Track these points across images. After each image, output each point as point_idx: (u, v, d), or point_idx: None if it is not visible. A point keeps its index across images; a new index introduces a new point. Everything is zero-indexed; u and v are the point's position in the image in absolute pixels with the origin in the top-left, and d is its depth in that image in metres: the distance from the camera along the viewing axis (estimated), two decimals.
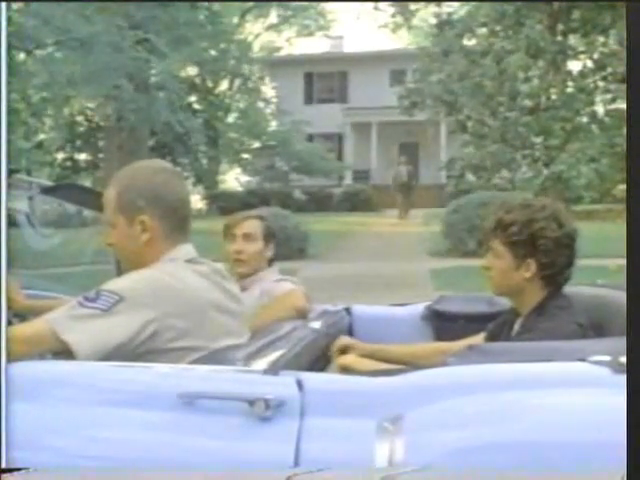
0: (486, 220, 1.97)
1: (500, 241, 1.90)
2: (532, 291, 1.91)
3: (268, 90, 26.86)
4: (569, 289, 2.46)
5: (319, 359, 1.80)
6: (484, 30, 17.57)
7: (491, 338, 2.05)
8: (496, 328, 2.07)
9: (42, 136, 23.11)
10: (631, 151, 1.39)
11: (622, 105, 15.31)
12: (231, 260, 2.69)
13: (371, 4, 21.38)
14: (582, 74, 16.66)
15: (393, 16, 19.22)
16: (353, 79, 25.90)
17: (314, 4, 28.22)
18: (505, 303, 2.56)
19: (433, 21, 19.11)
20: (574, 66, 17.34)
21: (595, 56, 16.36)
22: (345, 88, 26.19)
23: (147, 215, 1.70)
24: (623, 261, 1.35)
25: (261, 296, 2.57)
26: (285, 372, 1.45)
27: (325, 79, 26.32)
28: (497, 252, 1.92)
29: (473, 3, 17.72)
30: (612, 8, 14.94)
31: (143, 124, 17.65)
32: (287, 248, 10.74)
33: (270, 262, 2.81)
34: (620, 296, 1.88)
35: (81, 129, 23.70)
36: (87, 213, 3.05)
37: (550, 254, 1.88)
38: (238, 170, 27.01)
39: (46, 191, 2.58)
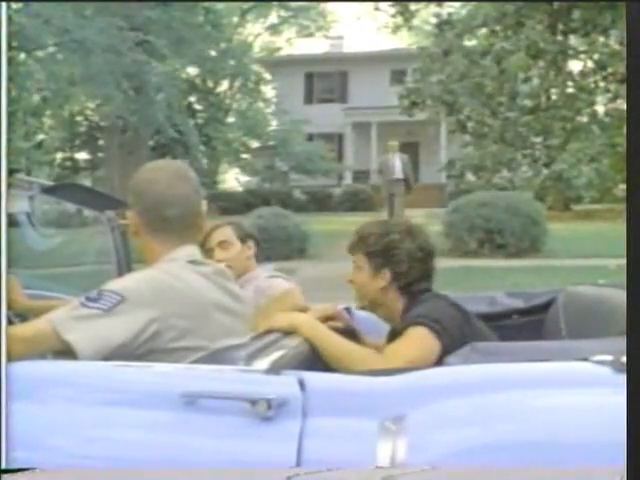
0: (352, 236, 2.12)
1: (361, 253, 2.06)
2: (390, 302, 2.04)
3: (268, 90, 26.88)
4: (570, 289, 2.46)
5: (321, 359, 1.79)
6: (484, 30, 17.58)
7: None
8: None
9: (42, 136, 23.11)
10: (631, 151, 1.39)
11: (622, 105, 15.32)
12: None
13: (371, 5, 21.37)
14: (582, 74, 16.67)
15: (393, 16, 19.23)
16: (353, 79, 25.89)
17: (314, 4, 28.22)
18: (505, 302, 2.57)
19: (433, 21, 19.10)
20: (574, 66, 17.36)
21: (595, 56, 16.36)
22: (345, 88, 26.18)
23: (148, 216, 1.71)
24: (623, 261, 1.35)
25: (256, 295, 2.60)
26: (287, 372, 1.44)
27: (325, 79, 26.30)
28: (358, 264, 2.07)
29: (473, 3, 17.73)
30: (612, 8, 14.95)
31: (142, 125, 17.66)
32: (287, 248, 10.75)
33: (258, 259, 2.85)
34: (620, 295, 1.88)
35: (81, 129, 23.71)
36: (87, 213, 3.05)
37: (403, 265, 2.02)
38: (238, 170, 27.01)
39: (46, 191, 2.58)
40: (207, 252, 2.79)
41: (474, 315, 2.04)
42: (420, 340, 1.83)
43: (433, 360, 1.79)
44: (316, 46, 37.47)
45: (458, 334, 1.88)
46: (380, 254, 2.03)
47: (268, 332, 1.81)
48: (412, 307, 1.97)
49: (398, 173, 13.21)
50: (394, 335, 1.94)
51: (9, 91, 1.54)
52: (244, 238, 2.84)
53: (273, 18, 29.64)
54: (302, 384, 1.40)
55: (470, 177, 17.97)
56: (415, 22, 20.54)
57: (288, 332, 1.82)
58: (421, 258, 2.04)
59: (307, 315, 2.01)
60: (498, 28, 17.02)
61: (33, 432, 1.42)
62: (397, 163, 13.32)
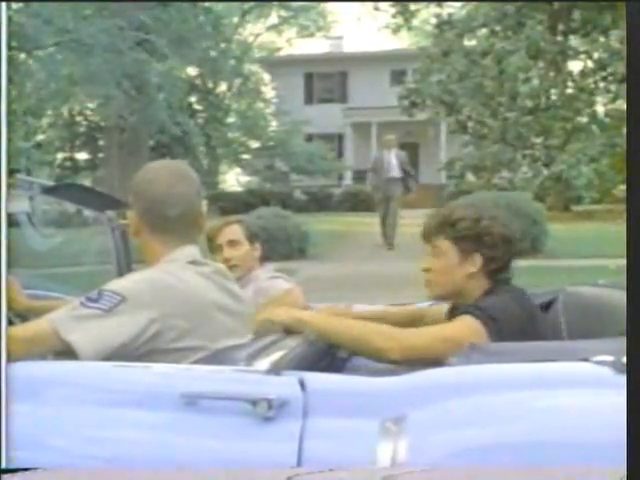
0: (426, 221, 2.02)
1: (446, 238, 1.95)
2: (474, 289, 1.94)
3: (268, 90, 26.89)
4: (570, 289, 2.46)
5: (322, 359, 1.79)
6: (484, 30, 17.57)
7: None
8: None
9: (42, 136, 23.13)
10: (631, 151, 1.39)
11: (622, 105, 15.32)
12: None
13: (371, 5, 21.37)
14: (582, 74, 16.67)
15: (394, 17, 19.23)
16: (353, 79, 25.90)
17: (314, 4, 28.23)
18: None
19: (433, 22, 19.11)
20: (574, 66, 17.35)
21: (595, 56, 16.37)
22: (345, 88, 26.19)
23: (148, 216, 1.72)
24: (623, 261, 1.35)
25: (256, 295, 2.60)
26: (288, 372, 1.44)
27: (325, 79, 26.31)
28: (441, 250, 1.96)
29: (473, 3, 17.73)
30: (612, 8, 14.95)
31: (143, 125, 17.67)
32: (287, 248, 10.74)
33: (261, 260, 2.85)
34: (620, 295, 1.88)
35: (81, 129, 23.72)
36: (87, 213, 3.05)
37: (494, 249, 1.94)
38: (238, 170, 27.03)
39: (46, 191, 2.58)
40: (215, 248, 2.78)
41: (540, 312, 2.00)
42: (463, 326, 1.78)
43: (471, 342, 1.68)
44: (316, 46, 37.49)
45: (511, 329, 1.80)
46: (472, 238, 1.94)
47: (266, 325, 1.80)
48: (495, 292, 1.90)
49: (394, 171, 11.37)
50: None
51: (9, 91, 1.54)
52: (252, 238, 2.83)
53: (273, 18, 29.68)
54: (303, 384, 1.40)
55: (470, 177, 17.97)
56: (415, 22, 20.54)
57: (293, 327, 1.82)
58: (509, 243, 1.99)
59: (310, 311, 2.01)
60: (498, 28, 17.02)
61: (33, 432, 1.42)
62: (393, 160, 11.43)
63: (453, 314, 1.91)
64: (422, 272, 2.01)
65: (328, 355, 1.93)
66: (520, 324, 1.84)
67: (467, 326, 1.78)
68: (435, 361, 1.57)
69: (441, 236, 1.96)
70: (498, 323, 1.79)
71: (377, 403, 1.38)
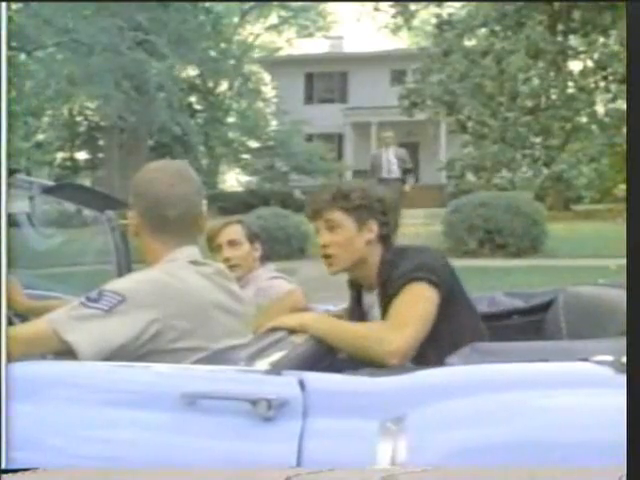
0: (314, 198, 2.07)
1: (340, 210, 2.01)
2: (373, 255, 2.02)
3: (268, 90, 26.87)
4: (570, 289, 2.46)
5: (322, 359, 1.79)
6: (484, 30, 17.56)
7: (350, 317, 2.13)
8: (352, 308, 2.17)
9: (42, 136, 23.12)
10: (631, 151, 1.39)
11: (622, 105, 15.31)
12: None
13: (371, 5, 21.36)
14: (582, 74, 16.64)
15: (394, 17, 19.22)
16: (353, 79, 25.89)
17: (314, 4, 28.22)
18: (506, 302, 2.56)
19: (433, 22, 19.10)
20: (574, 66, 17.33)
21: (595, 56, 16.34)
22: (345, 88, 26.17)
23: (148, 216, 1.72)
24: (623, 261, 1.35)
25: (256, 295, 2.60)
26: (288, 372, 1.44)
27: (325, 79, 26.30)
28: (336, 223, 2.01)
29: (473, 3, 17.72)
30: (612, 8, 14.95)
31: (142, 125, 17.67)
32: (287, 248, 10.74)
33: (262, 260, 2.85)
34: (620, 295, 1.88)
35: (81, 129, 23.71)
36: (87, 213, 3.05)
37: (386, 215, 2.04)
38: (238, 170, 27.01)
39: (46, 191, 2.58)
40: (215, 249, 2.79)
41: None
42: (421, 295, 1.85)
43: (435, 312, 1.84)
44: (316, 46, 37.51)
45: (452, 281, 1.93)
46: (365, 207, 2.02)
47: (272, 330, 1.81)
48: (397, 260, 1.95)
49: (393, 171, 10.72)
50: (385, 288, 1.94)
51: (9, 91, 1.54)
52: (252, 238, 2.84)
53: (273, 18, 29.65)
54: (302, 384, 1.40)
55: (470, 177, 17.95)
56: (415, 22, 20.52)
57: (296, 331, 1.83)
58: (396, 207, 2.10)
59: (312, 313, 2.03)
60: (498, 28, 17.01)
61: (33, 432, 1.42)
62: (392, 159, 10.78)
63: (395, 285, 1.92)
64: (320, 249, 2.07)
65: (328, 355, 1.93)
66: (450, 269, 1.96)
67: (421, 295, 1.86)
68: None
69: (334, 209, 2.02)
70: (440, 277, 1.88)
71: (377, 403, 1.38)
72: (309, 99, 26.33)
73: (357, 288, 2.15)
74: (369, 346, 1.77)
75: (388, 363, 1.75)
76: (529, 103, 16.46)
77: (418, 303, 1.85)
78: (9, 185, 1.56)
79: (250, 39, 28.60)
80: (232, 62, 22.57)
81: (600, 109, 16.95)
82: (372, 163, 11.17)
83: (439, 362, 1.53)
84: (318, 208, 2.05)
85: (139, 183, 1.75)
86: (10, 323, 1.79)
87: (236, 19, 26.87)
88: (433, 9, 19.15)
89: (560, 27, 16.62)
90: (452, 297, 1.92)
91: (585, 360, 1.41)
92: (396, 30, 20.12)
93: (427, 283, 1.86)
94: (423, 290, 1.86)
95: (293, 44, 30.61)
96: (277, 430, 1.36)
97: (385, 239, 2.05)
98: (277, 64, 26.32)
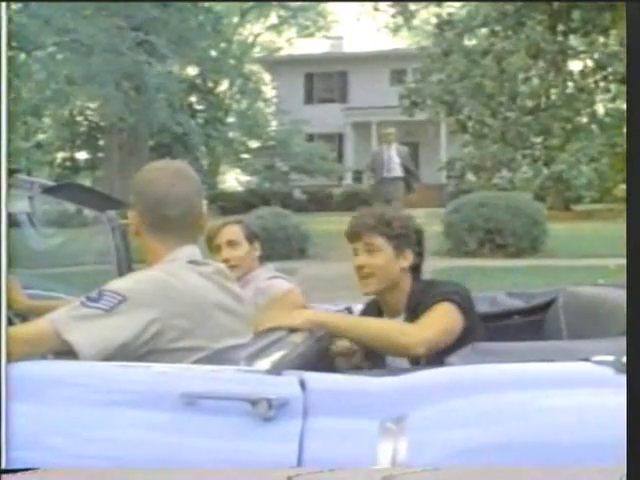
0: (356, 221, 2.15)
1: (380, 235, 2.09)
2: (405, 282, 2.13)
3: (268, 90, 26.88)
4: (570, 289, 2.46)
5: (322, 359, 1.79)
6: (484, 30, 17.57)
7: None
8: None
9: (42, 136, 23.12)
10: (631, 151, 1.39)
11: (622, 105, 15.31)
12: None
13: (371, 5, 21.36)
14: (582, 74, 16.66)
15: (393, 17, 19.23)
16: (353, 79, 25.89)
17: (314, 4, 28.22)
18: (506, 302, 2.57)
19: (433, 21, 19.10)
20: (574, 66, 17.35)
21: (595, 56, 16.35)
22: (345, 88, 26.17)
23: (149, 216, 1.72)
24: (623, 261, 1.35)
25: (256, 295, 2.60)
26: (288, 372, 1.44)
27: (325, 79, 26.30)
28: (376, 247, 2.09)
29: (473, 3, 17.73)
30: (612, 8, 14.95)
31: (143, 125, 17.67)
32: (287, 248, 10.74)
33: (261, 260, 2.85)
34: (620, 295, 1.88)
35: (81, 129, 23.70)
36: (87, 213, 3.05)
37: (421, 246, 2.17)
38: (238, 170, 27.01)
39: (47, 191, 2.58)
40: (214, 249, 2.79)
41: None
42: (450, 312, 1.95)
43: (458, 334, 1.92)
44: (316, 46, 37.48)
45: (474, 315, 2.04)
46: (405, 236, 2.11)
47: (275, 329, 1.80)
48: (428, 288, 2.07)
49: (395, 170, 10.19)
50: (415, 312, 2.01)
51: (9, 91, 1.54)
52: (251, 239, 2.84)
53: (273, 18, 29.65)
54: (303, 384, 1.40)
55: (470, 177, 17.96)
56: (415, 22, 20.54)
57: (303, 329, 1.83)
58: (424, 241, 2.20)
59: (316, 310, 2.06)
60: (498, 28, 17.01)
61: (33, 432, 1.42)
62: (394, 157, 10.25)
63: (427, 304, 2.00)
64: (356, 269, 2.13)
65: (328, 355, 1.94)
66: (472, 303, 2.06)
67: (449, 313, 1.96)
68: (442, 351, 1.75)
69: (376, 234, 2.10)
70: (467, 307, 1.99)
71: (377, 403, 1.38)
72: (309, 99, 26.33)
73: (376, 315, 2.20)
74: (394, 337, 1.83)
75: (412, 353, 1.83)
76: (529, 103, 16.47)
77: (446, 316, 1.94)
78: (9, 185, 1.56)
79: (250, 39, 28.62)
80: (232, 62, 22.58)
81: (600, 109, 16.96)
82: (372, 161, 10.76)
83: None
84: (359, 231, 2.12)
85: (139, 183, 1.75)
86: (10, 323, 1.79)
87: (236, 19, 26.89)
88: (433, 9, 19.15)
89: (560, 27, 16.63)
90: (473, 327, 2.00)
91: (585, 360, 1.41)
92: (396, 30, 20.16)
93: (457, 306, 1.96)
94: (453, 309, 1.96)
95: (293, 44, 30.64)
96: (277, 430, 1.36)
97: (416, 269, 2.16)
98: (277, 64, 26.34)
